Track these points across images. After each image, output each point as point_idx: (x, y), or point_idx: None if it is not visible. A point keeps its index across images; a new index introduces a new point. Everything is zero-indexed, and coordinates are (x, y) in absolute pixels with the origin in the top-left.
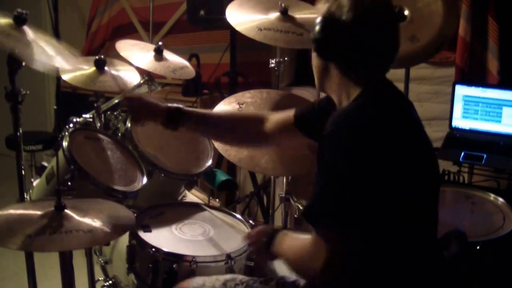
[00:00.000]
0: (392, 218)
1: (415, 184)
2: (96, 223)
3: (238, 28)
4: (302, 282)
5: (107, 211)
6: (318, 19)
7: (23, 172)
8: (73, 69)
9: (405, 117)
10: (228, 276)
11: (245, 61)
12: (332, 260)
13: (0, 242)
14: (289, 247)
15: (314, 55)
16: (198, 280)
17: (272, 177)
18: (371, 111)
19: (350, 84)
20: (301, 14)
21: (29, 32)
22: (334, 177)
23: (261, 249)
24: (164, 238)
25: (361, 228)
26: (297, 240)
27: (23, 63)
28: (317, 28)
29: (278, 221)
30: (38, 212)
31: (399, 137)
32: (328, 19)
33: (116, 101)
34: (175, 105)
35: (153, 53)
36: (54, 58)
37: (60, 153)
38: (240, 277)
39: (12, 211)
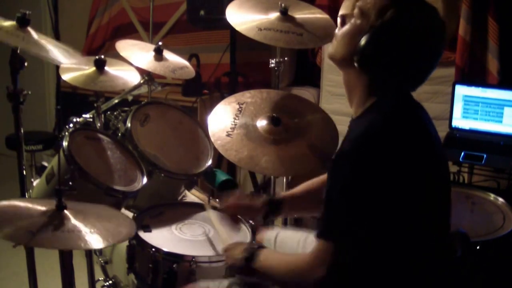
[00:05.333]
0: (405, 235)
1: (430, 202)
2: (96, 226)
3: (238, 28)
4: None
5: (108, 216)
6: (368, 32)
7: (24, 172)
8: (75, 64)
9: (422, 133)
10: (232, 280)
11: (245, 61)
12: (332, 274)
13: (1, 235)
14: (280, 261)
15: (348, 30)
16: (201, 285)
17: (272, 177)
18: (388, 130)
19: (368, 89)
20: (301, 14)
21: (33, 33)
22: (352, 195)
23: (239, 265)
24: (164, 238)
25: (373, 244)
26: (289, 255)
27: (26, 63)
28: (366, 39)
29: (278, 221)
30: (40, 208)
31: (415, 156)
32: (380, 31)
33: (116, 101)
34: (267, 199)
35: (153, 53)
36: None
37: (60, 153)
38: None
39: (13, 203)
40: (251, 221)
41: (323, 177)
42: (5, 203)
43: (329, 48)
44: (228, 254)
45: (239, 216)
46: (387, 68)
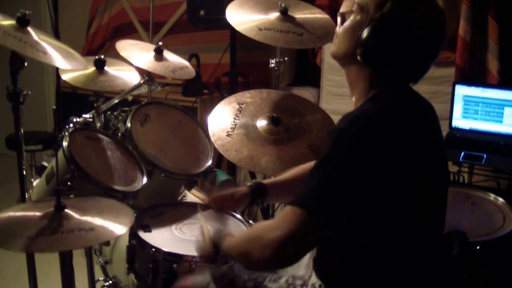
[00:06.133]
0: (397, 221)
1: (424, 191)
2: (96, 221)
3: (238, 28)
4: (313, 280)
5: (107, 209)
6: (368, 23)
7: (24, 172)
8: (74, 68)
9: (419, 124)
10: (236, 273)
11: (245, 61)
12: (291, 239)
13: (2, 244)
14: (240, 234)
15: (348, 27)
16: (204, 277)
17: (272, 177)
18: (383, 114)
19: (371, 83)
20: (301, 14)
21: (33, 34)
22: (336, 168)
23: (210, 253)
24: (164, 238)
25: (347, 223)
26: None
27: (25, 63)
28: (368, 31)
29: None
30: (38, 213)
31: (408, 144)
32: (381, 23)
33: (116, 101)
34: (253, 183)
35: (153, 53)
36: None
37: (60, 153)
38: (247, 273)
39: (12, 213)
40: (250, 221)
41: (311, 163)
42: (3, 214)
43: (331, 48)
44: (198, 248)
45: (231, 212)
46: (391, 59)
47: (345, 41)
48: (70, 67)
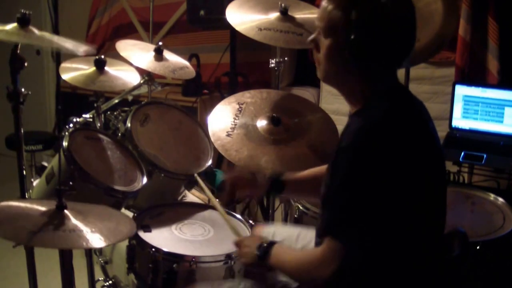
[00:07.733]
0: (407, 227)
1: (430, 195)
2: (98, 224)
3: (238, 28)
4: None
5: (108, 215)
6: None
7: (24, 172)
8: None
9: (421, 125)
10: (230, 284)
11: (245, 61)
12: (341, 271)
13: (2, 234)
14: (291, 257)
15: (328, 51)
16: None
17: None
18: (388, 123)
19: (365, 85)
20: (301, 14)
21: (36, 31)
22: (354, 190)
23: (254, 263)
24: (164, 238)
25: (377, 239)
26: (300, 251)
27: (26, 63)
28: (351, 28)
29: (278, 221)
30: (40, 208)
31: (415, 149)
32: (362, 19)
33: (116, 101)
34: (272, 175)
35: (153, 53)
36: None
37: (60, 153)
38: (242, 285)
39: (13, 203)
40: (250, 221)
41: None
42: (5, 203)
43: (318, 74)
44: (240, 252)
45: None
46: (376, 47)
47: (329, 62)
48: (82, 50)
